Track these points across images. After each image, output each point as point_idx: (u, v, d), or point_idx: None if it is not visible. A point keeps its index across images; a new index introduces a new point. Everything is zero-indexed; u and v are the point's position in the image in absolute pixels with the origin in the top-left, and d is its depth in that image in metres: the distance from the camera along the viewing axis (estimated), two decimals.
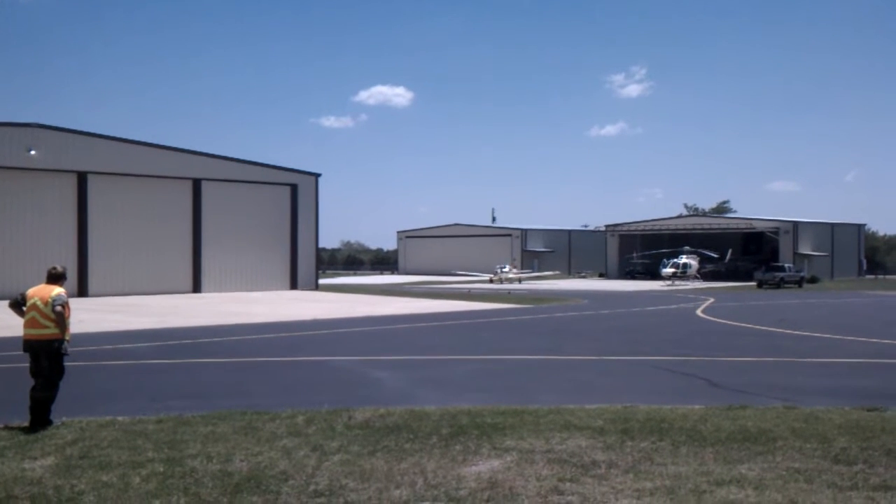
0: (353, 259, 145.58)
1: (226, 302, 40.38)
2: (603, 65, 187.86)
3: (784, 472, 8.09)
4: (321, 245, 66.04)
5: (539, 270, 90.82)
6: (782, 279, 65.39)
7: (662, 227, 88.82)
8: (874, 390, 14.00)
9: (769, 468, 8.28)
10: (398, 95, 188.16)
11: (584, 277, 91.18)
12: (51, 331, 10.58)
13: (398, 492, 7.46)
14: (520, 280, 75.14)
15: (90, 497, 7.33)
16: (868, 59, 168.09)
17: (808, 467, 8.30)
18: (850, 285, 70.50)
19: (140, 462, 8.53)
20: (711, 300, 44.68)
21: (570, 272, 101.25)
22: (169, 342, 22.13)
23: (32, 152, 42.68)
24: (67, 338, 10.76)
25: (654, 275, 74.76)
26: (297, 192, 54.37)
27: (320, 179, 55.85)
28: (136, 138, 48.11)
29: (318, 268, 58.30)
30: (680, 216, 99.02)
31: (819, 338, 23.75)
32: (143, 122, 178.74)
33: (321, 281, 60.23)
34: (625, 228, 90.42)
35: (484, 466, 8.37)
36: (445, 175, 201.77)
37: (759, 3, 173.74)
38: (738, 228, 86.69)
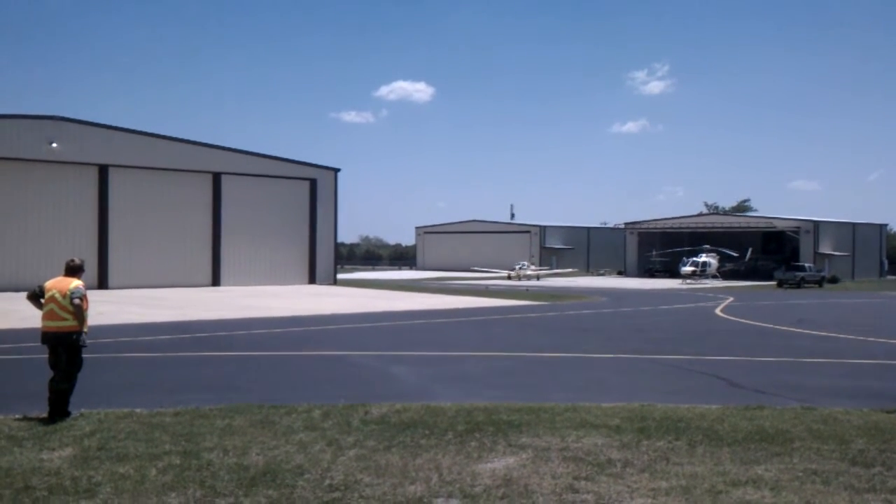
0: (372, 254, 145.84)
1: (244, 295, 40.52)
2: (625, 61, 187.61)
3: (801, 474, 8.04)
4: (340, 240, 66.13)
5: (557, 268, 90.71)
6: (803, 279, 64.99)
7: (682, 226, 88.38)
8: (893, 392, 13.88)
9: (786, 469, 8.23)
10: (419, 91, 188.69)
11: (602, 275, 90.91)
12: (69, 323, 10.64)
13: (413, 487, 7.47)
14: (538, 277, 75.05)
15: (107, 488, 7.38)
16: (892, 59, 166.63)
17: (825, 469, 8.24)
18: (871, 286, 69.97)
19: (157, 454, 8.57)
20: (731, 299, 44.45)
21: (588, 270, 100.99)
22: (187, 335, 22.24)
23: (54, 145, 42.99)
24: (85, 330, 10.81)
25: (674, 273, 74.42)
26: (317, 186, 54.46)
27: (339, 174, 56.01)
28: (157, 132, 48.41)
29: (336, 263, 58.43)
30: (700, 214, 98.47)
31: (839, 338, 23.58)
32: (164, 115, 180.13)
33: (339, 276, 60.36)
34: (644, 226, 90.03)
35: (499, 463, 8.36)
36: (465, 171, 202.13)
37: (783, 2, 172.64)
38: (758, 227, 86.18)
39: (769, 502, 7.13)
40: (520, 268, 73.50)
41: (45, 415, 10.48)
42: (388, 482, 7.63)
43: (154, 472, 7.92)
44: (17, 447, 8.91)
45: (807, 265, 70.08)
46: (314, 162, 55.09)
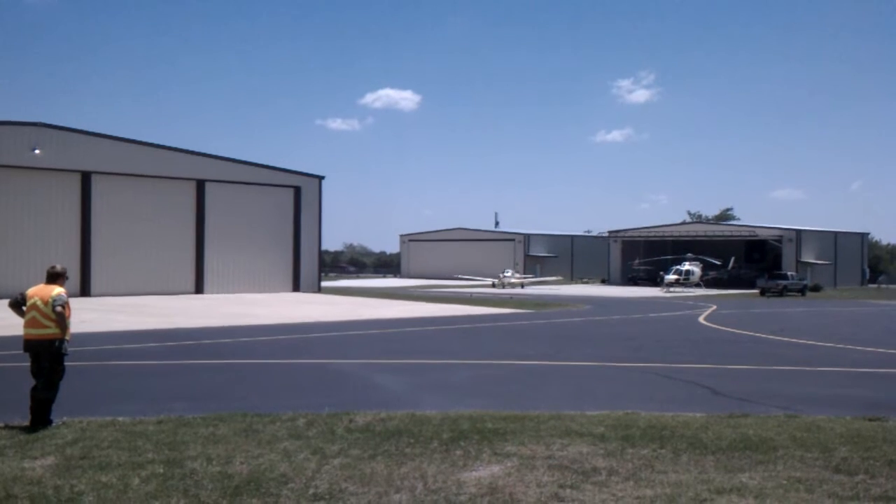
0: (356, 262, 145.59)
1: (228, 303, 40.38)
2: (611, 69, 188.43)
3: (785, 482, 8.07)
4: (324, 247, 65.94)
5: (541, 276, 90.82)
6: (785, 287, 65.32)
7: (665, 234, 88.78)
8: (876, 400, 13.96)
9: (770, 477, 8.25)
10: (405, 99, 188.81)
11: (586, 283, 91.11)
12: (51, 331, 10.56)
13: (398, 496, 7.45)
14: (522, 285, 75.15)
15: (90, 497, 7.32)
16: (875, 68, 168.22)
17: (808, 477, 8.27)
18: (853, 294, 70.40)
19: (140, 463, 8.51)
20: (714, 307, 44.63)
21: (572, 278, 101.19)
22: (171, 343, 22.13)
23: (37, 151, 42.74)
24: (68, 338, 10.74)
25: (657, 281, 74.70)
26: (301, 194, 54.38)
27: (324, 181, 55.95)
28: (141, 138, 48.27)
29: (320, 270, 58.29)
30: (683, 223, 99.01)
31: (821, 346, 23.69)
32: (148, 122, 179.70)
33: (323, 284, 60.21)
34: (628, 234, 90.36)
35: (484, 472, 8.35)
36: (450, 179, 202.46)
37: (768, 11, 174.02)
38: (741, 236, 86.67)
39: None
40: (504, 276, 73.56)
41: (27, 423, 10.39)
42: (372, 491, 7.61)
43: (137, 480, 7.86)
44: None
45: (789, 274, 70.47)
46: (299, 169, 55.07)
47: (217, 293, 49.20)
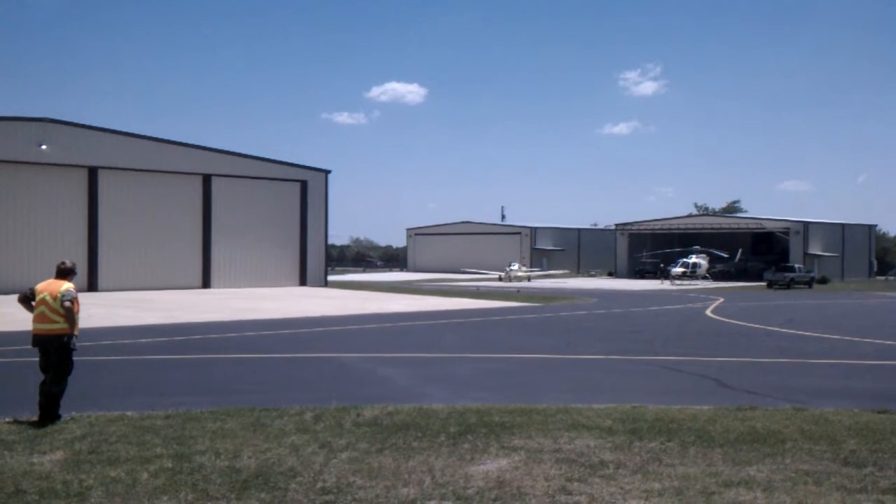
0: (363, 256, 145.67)
1: (235, 298, 40.43)
2: (617, 61, 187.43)
3: (793, 474, 8.06)
4: (330, 242, 65.96)
5: (548, 269, 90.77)
6: (792, 280, 65.15)
7: (672, 227, 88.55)
8: (884, 392, 13.94)
9: (778, 470, 8.25)
10: (411, 92, 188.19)
11: (593, 276, 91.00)
12: (60, 326, 10.59)
13: (406, 490, 7.46)
14: (529, 278, 75.07)
15: (98, 492, 7.35)
16: (882, 60, 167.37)
17: (817, 469, 8.26)
18: (860, 286, 70.20)
19: (148, 457, 8.54)
20: (721, 300, 44.56)
21: (579, 271, 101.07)
22: (178, 338, 22.18)
23: (43, 147, 42.79)
24: (76, 333, 10.77)
25: (664, 274, 74.55)
26: (308, 188, 54.38)
27: (330, 176, 55.94)
28: (147, 133, 48.22)
29: (327, 264, 58.31)
30: (690, 215, 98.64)
31: (829, 339, 23.65)
32: (154, 117, 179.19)
33: (330, 278, 60.25)
34: (635, 227, 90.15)
35: (492, 465, 8.36)
36: (456, 172, 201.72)
37: (774, 3, 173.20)
38: (748, 228, 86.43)
39: (762, 503, 7.15)
40: (511, 269, 73.52)
41: (35, 418, 10.43)
42: (380, 484, 7.62)
43: (145, 475, 7.89)
44: (8, 451, 8.86)
45: (796, 266, 70.26)
46: (305, 163, 55.06)
47: (224, 287, 49.23)
